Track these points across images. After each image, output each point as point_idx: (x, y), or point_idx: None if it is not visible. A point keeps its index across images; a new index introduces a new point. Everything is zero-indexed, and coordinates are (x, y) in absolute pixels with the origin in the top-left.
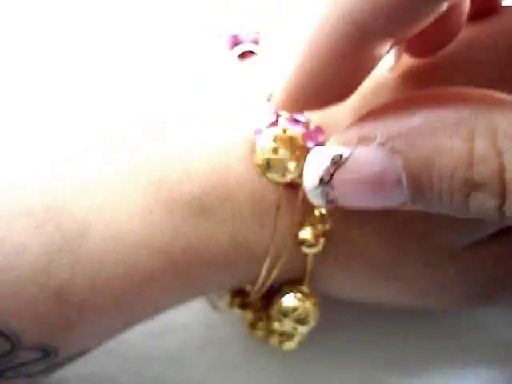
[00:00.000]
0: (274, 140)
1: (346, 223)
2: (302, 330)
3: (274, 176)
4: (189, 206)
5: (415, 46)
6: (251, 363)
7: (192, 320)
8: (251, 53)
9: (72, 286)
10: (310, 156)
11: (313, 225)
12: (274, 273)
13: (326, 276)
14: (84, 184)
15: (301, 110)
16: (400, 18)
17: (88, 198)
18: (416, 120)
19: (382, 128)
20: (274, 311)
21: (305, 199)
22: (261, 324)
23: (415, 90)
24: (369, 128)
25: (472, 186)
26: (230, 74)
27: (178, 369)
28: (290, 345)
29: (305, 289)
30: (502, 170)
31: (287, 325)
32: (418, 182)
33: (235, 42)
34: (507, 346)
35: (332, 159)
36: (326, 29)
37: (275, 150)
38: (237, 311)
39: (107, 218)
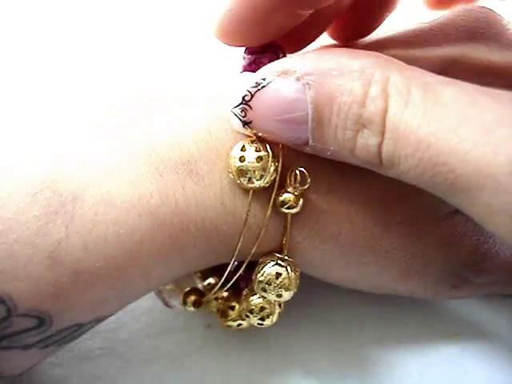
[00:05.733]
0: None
1: (329, 187)
2: (287, 295)
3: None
4: (178, 169)
5: (339, 31)
6: (251, 363)
7: (191, 320)
8: None
9: (66, 246)
10: (237, 78)
11: (292, 186)
12: (261, 236)
13: (310, 250)
14: (79, 152)
15: (231, 39)
16: None
17: (82, 164)
18: (330, 63)
19: (302, 65)
20: (255, 284)
21: (284, 164)
22: (231, 312)
23: None
24: (292, 63)
25: (361, 124)
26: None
27: (177, 369)
28: (270, 321)
29: (284, 256)
30: (385, 111)
31: (272, 293)
32: (321, 114)
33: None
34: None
35: (255, 82)
36: None
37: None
38: (191, 309)
39: (100, 181)
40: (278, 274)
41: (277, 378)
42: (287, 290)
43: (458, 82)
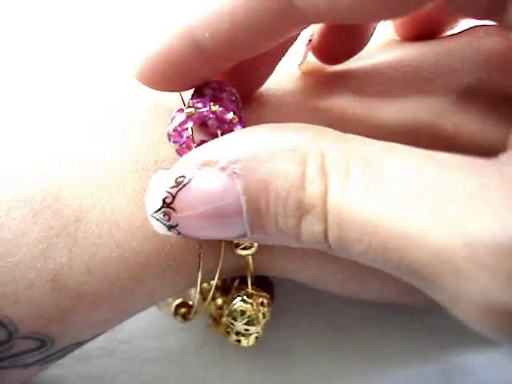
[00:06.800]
0: None
1: None
2: (254, 330)
3: None
4: None
5: (324, 54)
6: (251, 363)
7: (192, 320)
8: None
9: (69, 269)
10: (153, 178)
11: None
12: (217, 275)
13: (315, 269)
14: (80, 170)
15: (153, 84)
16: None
17: (84, 183)
18: (256, 145)
19: (224, 153)
20: (225, 314)
21: None
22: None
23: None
24: (213, 152)
25: (303, 209)
26: None
27: (177, 369)
28: (246, 343)
29: (250, 290)
30: (326, 193)
31: (239, 327)
32: (256, 205)
33: None
34: None
35: (175, 181)
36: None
37: None
38: (179, 319)
39: (103, 202)
40: (243, 312)
41: (276, 378)
42: (253, 325)
43: (400, 148)
